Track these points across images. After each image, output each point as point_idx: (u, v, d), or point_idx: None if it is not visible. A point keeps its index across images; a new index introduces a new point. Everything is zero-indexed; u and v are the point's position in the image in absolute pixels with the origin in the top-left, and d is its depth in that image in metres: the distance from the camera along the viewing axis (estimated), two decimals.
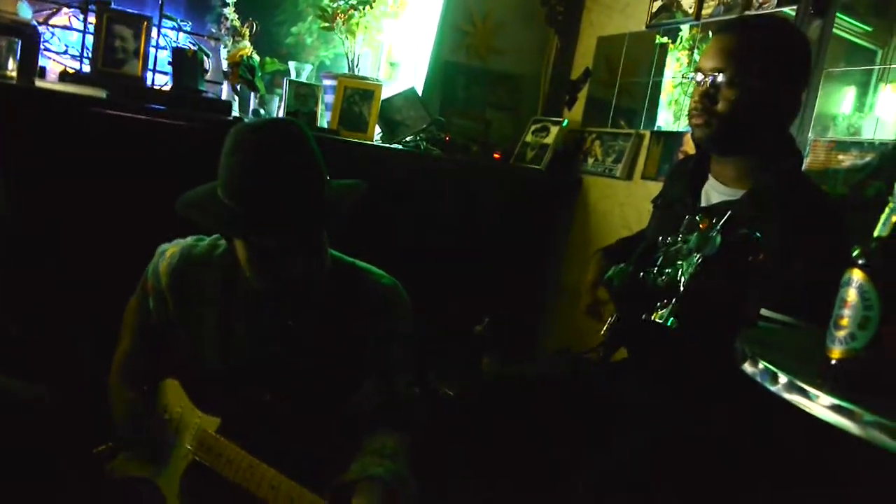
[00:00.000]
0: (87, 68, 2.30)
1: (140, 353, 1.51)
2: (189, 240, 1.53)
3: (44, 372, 1.65)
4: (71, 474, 1.49)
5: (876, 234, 0.80)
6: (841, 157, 2.00)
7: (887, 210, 0.80)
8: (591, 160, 2.90)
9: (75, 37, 2.42)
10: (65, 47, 2.44)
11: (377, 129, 2.67)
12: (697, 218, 1.33)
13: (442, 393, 2.28)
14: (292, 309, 1.42)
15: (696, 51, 2.55)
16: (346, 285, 1.45)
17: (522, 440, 1.60)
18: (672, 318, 1.25)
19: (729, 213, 1.31)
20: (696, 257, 1.25)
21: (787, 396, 0.79)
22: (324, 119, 2.63)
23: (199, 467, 1.36)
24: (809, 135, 2.08)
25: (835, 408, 0.73)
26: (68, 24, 2.43)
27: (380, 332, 1.43)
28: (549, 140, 2.93)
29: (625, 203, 2.71)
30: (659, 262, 1.39)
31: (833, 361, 0.82)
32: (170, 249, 1.51)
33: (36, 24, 2.20)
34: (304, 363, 1.41)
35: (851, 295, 0.80)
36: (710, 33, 2.42)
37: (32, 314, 1.93)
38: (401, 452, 1.36)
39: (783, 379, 0.80)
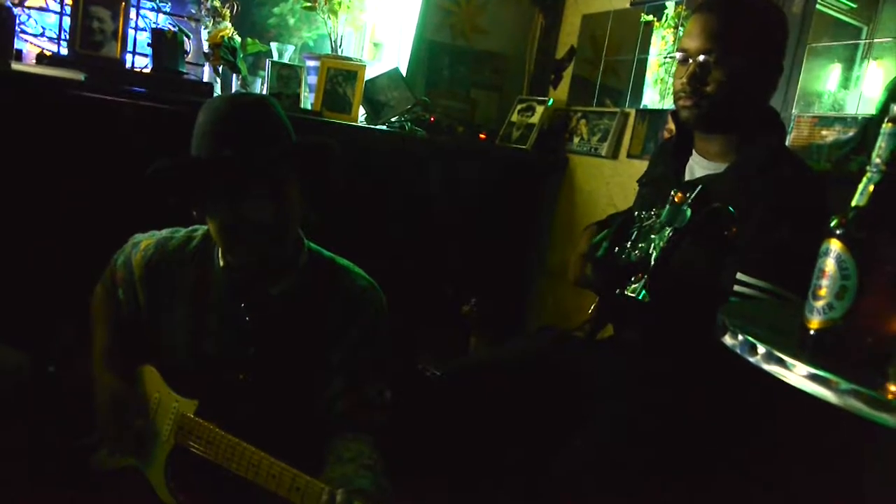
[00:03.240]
0: (64, 51, 2.26)
1: (116, 343, 1.49)
2: (164, 232, 1.51)
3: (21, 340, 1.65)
4: (57, 466, 1.48)
5: (854, 203, 0.80)
6: (824, 132, 2.01)
7: (865, 179, 0.80)
8: (576, 139, 2.89)
9: (52, 19, 2.39)
10: (41, 29, 2.40)
11: (361, 111, 2.65)
12: (673, 192, 1.33)
13: (429, 373, 2.28)
14: (265, 304, 1.40)
15: (680, 28, 2.54)
16: (322, 282, 1.43)
17: (503, 420, 1.61)
18: (644, 292, 1.26)
19: (700, 186, 1.31)
20: (668, 231, 1.26)
21: (766, 367, 0.79)
22: (307, 101, 2.60)
23: (182, 451, 1.35)
24: (793, 110, 2.08)
25: (811, 377, 0.73)
26: (45, 5, 2.39)
27: (352, 336, 1.41)
28: (535, 120, 2.92)
29: (611, 182, 2.71)
30: (633, 237, 1.39)
31: (811, 332, 0.82)
32: (144, 241, 1.49)
33: (11, 5, 2.16)
34: (274, 357, 1.39)
35: (829, 265, 0.80)
36: (691, 11, 2.40)
37: (6, 299, 1.91)
38: (378, 461, 1.34)
39: (762, 350, 0.80)
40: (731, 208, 1.23)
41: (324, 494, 1.17)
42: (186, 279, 1.43)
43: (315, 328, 1.40)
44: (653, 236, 1.35)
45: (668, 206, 1.30)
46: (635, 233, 1.42)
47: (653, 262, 1.27)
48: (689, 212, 1.26)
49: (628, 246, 1.40)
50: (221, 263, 1.41)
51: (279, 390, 1.39)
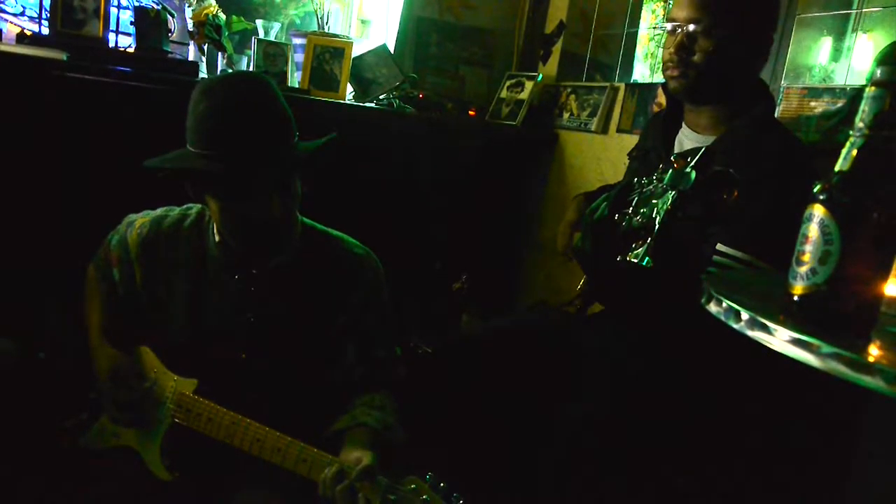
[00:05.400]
0: (45, 30, 2.22)
1: (111, 322, 1.50)
2: (158, 211, 1.51)
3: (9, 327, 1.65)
4: (47, 446, 1.48)
5: (837, 168, 0.80)
6: (813, 103, 2.00)
7: (848, 144, 0.79)
8: (566, 115, 2.88)
9: None
10: (22, 9, 2.36)
11: (349, 88, 2.63)
12: (672, 158, 1.33)
13: (421, 351, 2.29)
14: (263, 278, 1.41)
15: (670, 2, 2.52)
16: (319, 253, 1.44)
17: (498, 393, 1.61)
18: (648, 258, 1.25)
19: (704, 148, 1.30)
20: (672, 194, 1.25)
21: (750, 333, 0.79)
22: (294, 79, 2.58)
23: (179, 430, 1.36)
24: (782, 82, 2.07)
25: (794, 341, 0.73)
26: None
27: (354, 302, 1.43)
28: (524, 95, 2.90)
29: (601, 157, 2.70)
30: (634, 203, 1.39)
31: (795, 297, 0.82)
32: (139, 220, 1.50)
33: None
34: (276, 330, 1.41)
35: (812, 230, 0.80)
36: None
37: None
38: (388, 405, 1.39)
39: (745, 316, 0.80)
40: (732, 171, 1.23)
41: (332, 466, 1.19)
42: (183, 255, 1.44)
43: (315, 298, 1.42)
44: (655, 201, 1.34)
45: (670, 171, 1.29)
46: (635, 199, 1.41)
47: (657, 226, 1.26)
48: (693, 174, 1.25)
49: (629, 212, 1.39)
50: (217, 239, 1.41)
51: (283, 364, 1.41)
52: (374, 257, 1.49)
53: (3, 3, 2.30)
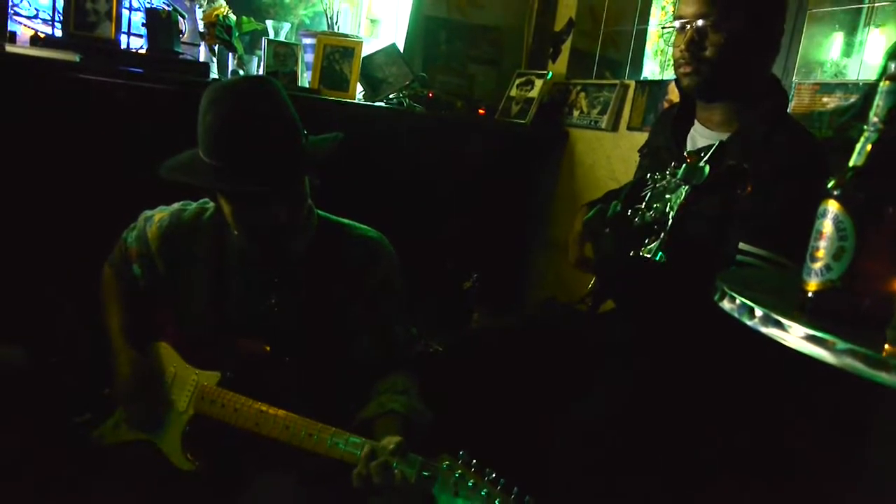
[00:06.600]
0: (58, 32, 2.24)
1: (134, 318, 1.52)
2: (176, 205, 1.54)
3: (20, 334, 1.66)
4: (52, 441, 1.50)
5: (851, 163, 0.79)
6: (826, 99, 1.99)
7: (863, 139, 0.79)
8: (576, 113, 2.87)
9: (46, 0, 2.37)
10: (35, 11, 2.39)
11: (359, 88, 2.63)
12: (685, 154, 1.32)
13: (432, 349, 2.29)
14: (282, 267, 1.44)
15: None
16: (333, 241, 1.47)
17: (509, 391, 1.61)
18: (661, 253, 1.24)
19: (718, 142, 1.29)
20: (685, 188, 1.24)
21: (763, 330, 0.79)
22: (304, 79, 2.59)
23: (200, 422, 1.38)
24: (794, 78, 2.06)
25: (808, 338, 0.72)
26: None
27: (370, 286, 1.46)
28: (534, 94, 2.90)
29: (611, 155, 2.69)
30: (647, 199, 1.38)
31: (809, 294, 0.81)
32: (157, 215, 1.53)
33: None
34: (296, 319, 1.43)
35: (826, 226, 0.79)
36: None
37: (8, 281, 1.92)
38: (412, 387, 1.41)
39: (759, 312, 0.79)
40: (745, 166, 1.22)
41: (365, 447, 1.20)
42: (204, 247, 1.46)
43: (333, 285, 1.44)
44: (668, 196, 1.34)
45: (684, 165, 1.28)
46: (648, 195, 1.40)
47: (670, 221, 1.25)
48: (707, 168, 1.24)
49: (642, 208, 1.39)
50: (236, 232, 1.43)
51: (304, 352, 1.42)
52: (386, 241, 1.52)
53: (16, 6, 2.32)
